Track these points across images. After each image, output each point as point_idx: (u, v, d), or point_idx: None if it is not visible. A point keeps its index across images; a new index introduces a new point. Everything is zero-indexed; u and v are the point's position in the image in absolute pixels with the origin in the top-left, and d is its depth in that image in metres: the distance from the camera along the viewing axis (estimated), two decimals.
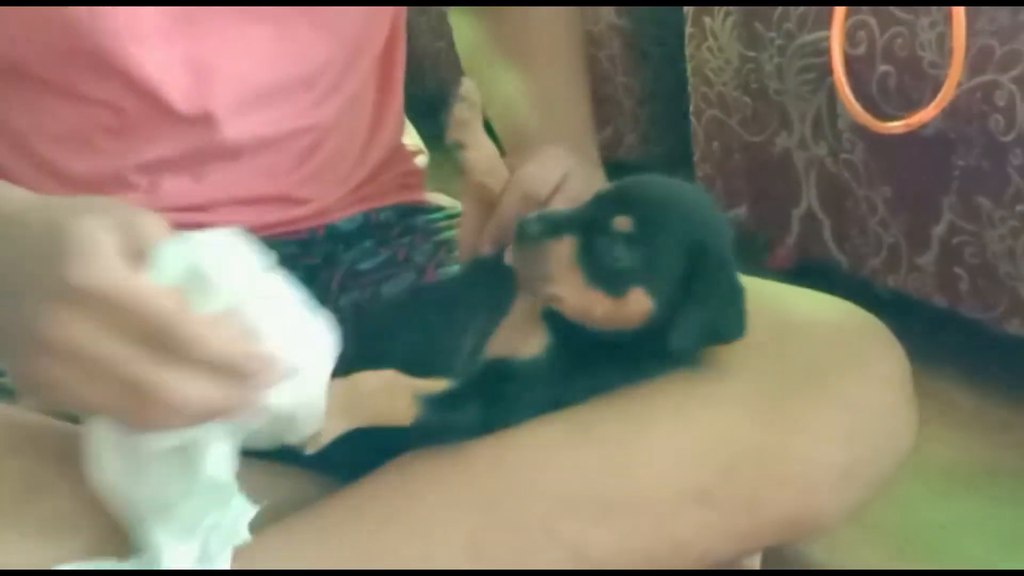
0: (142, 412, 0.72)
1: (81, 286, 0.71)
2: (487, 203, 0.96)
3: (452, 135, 0.92)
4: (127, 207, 0.76)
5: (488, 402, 0.89)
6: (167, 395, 0.72)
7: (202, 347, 0.72)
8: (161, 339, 0.72)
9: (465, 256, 1.00)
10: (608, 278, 0.86)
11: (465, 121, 0.93)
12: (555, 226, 0.87)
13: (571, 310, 0.88)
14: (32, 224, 0.76)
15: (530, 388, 0.90)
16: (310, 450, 0.81)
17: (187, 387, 0.72)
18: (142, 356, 0.72)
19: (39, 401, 0.80)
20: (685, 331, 0.86)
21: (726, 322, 0.89)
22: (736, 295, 0.89)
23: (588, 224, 0.87)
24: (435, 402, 0.87)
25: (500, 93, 1.14)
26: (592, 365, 0.90)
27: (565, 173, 0.97)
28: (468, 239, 0.99)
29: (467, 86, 0.93)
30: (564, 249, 0.86)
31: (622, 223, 0.86)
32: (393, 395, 0.86)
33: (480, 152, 0.95)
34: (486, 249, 0.96)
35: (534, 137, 1.07)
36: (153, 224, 0.74)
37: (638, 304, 0.87)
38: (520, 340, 0.89)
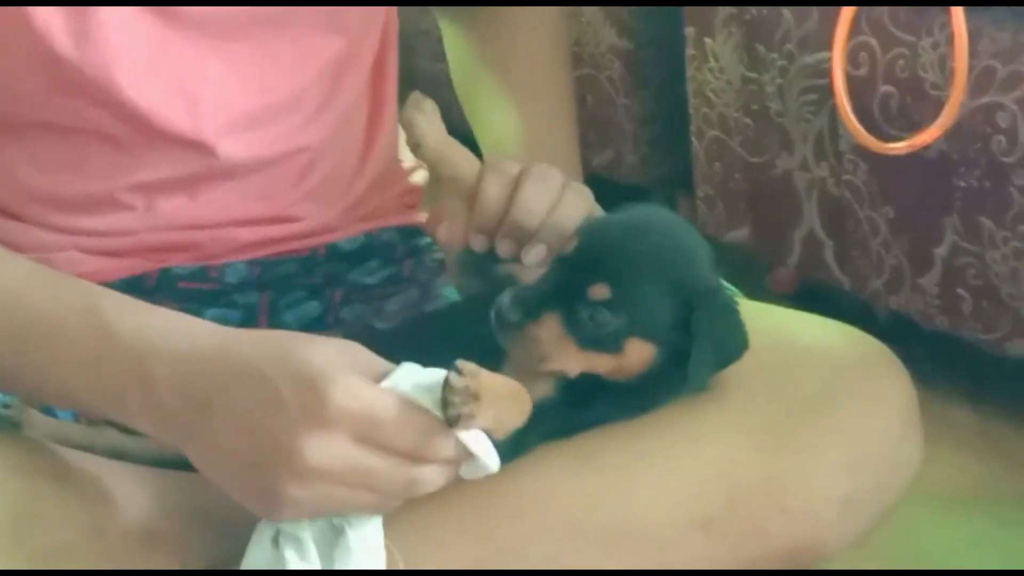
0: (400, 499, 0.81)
1: (347, 409, 0.77)
2: (463, 195, 0.95)
3: (408, 136, 0.93)
4: (323, 336, 0.83)
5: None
6: (427, 486, 0.80)
7: (446, 449, 0.79)
8: (416, 444, 0.79)
9: (452, 251, 0.98)
10: (602, 340, 0.86)
11: (410, 125, 0.93)
12: (532, 307, 0.85)
13: (576, 372, 0.87)
14: (250, 356, 0.80)
15: (539, 427, 0.89)
16: (459, 422, 0.79)
17: (436, 476, 0.80)
18: (402, 460, 0.79)
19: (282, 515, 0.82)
20: (699, 367, 0.86)
21: (732, 343, 0.89)
22: (731, 313, 0.89)
23: (564, 296, 0.85)
24: None
25: (490, 130, 1.14)
26: (602, 399, 0.90)
27: (522, 169, 0.95)
28: (455, 236, 0.97)
29: (414, 97, 0.94)
30: (550, 328, 0.85)
31: (598, 292, 0.85)
32: (520, 405, 0.83)
33: (438, 152, 0.94)
34: (476, 243, 0.95)
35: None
36: (355, 346, 0.81)
37: (639, 353, 0.87)
38: (526, 384, 0.88)
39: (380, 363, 0.81)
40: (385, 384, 0.79)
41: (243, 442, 0.79)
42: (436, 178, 0.95)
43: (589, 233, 0.88)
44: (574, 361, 0.86)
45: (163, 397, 0.81)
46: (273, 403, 0.78)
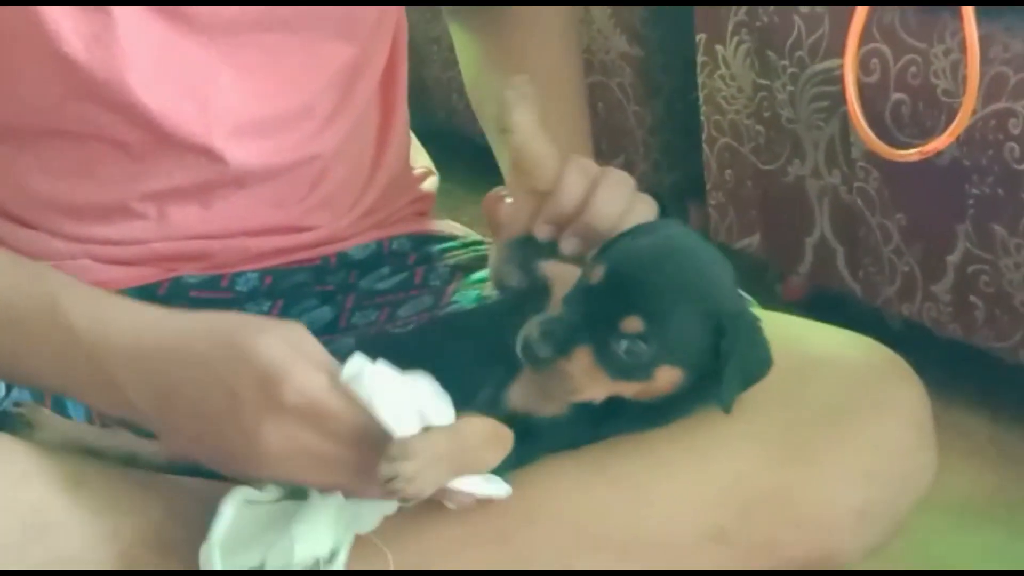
0: (359, 489, 0.84)
1: (297, 403, 0.81)
2: (533, 192, 0.94)
3: (501, 121, 0.91)
4: (270, 320, 0.91)
5: (516, 452, 0.87)
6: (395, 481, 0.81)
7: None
8: (354, 442, 0.82)
9: (505, 232, 0.97)
10: (633, 370, 0.85)
11: (511, 107, 0.91)
12: (563, 342, 0.84)
13: (601, 399, 0.87)
14: (204, 352, 0.84)
15: (552, 440, 0.89)
16: (405, 500, 0.81)
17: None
18: (352, 449, 0.82)
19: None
20: (730, 388, 0.86)
21: (759, 362, 0.88)
22: (758, 332, 0.88)
23: (595, 328, 0.84)
24: None
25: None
26: (618, 415, 0.89)
27: (602, 171, 0.96)
28: (518, 222, 0.96)
29: (519, 78, 0.92)
30: (581, 362, 0.84)
31: (632, 325, 0.83)
32: (494, 445, 0.84)
33: (526, 139, 0.92)
34: (541, 231, 0.94)
35: None
36: (300, 331, 0.85)
37: (667, 377, 0.86)
38: (542, 398, 0.88)
39: (322, 351, 0.84)
40: (343, 377, 0.82)
41: (205, 431, 0.84)
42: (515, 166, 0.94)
43: (615, 262, 0.86)
44: (602, 390, 0.86)
45: (127, 393, 0.86)
46: (228, 399, 0.83)
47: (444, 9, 1.23)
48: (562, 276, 0.91)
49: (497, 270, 0.97)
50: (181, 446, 0.88)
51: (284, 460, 0.82)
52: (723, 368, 0.85)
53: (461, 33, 1.21)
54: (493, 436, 0.84)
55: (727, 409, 0.86)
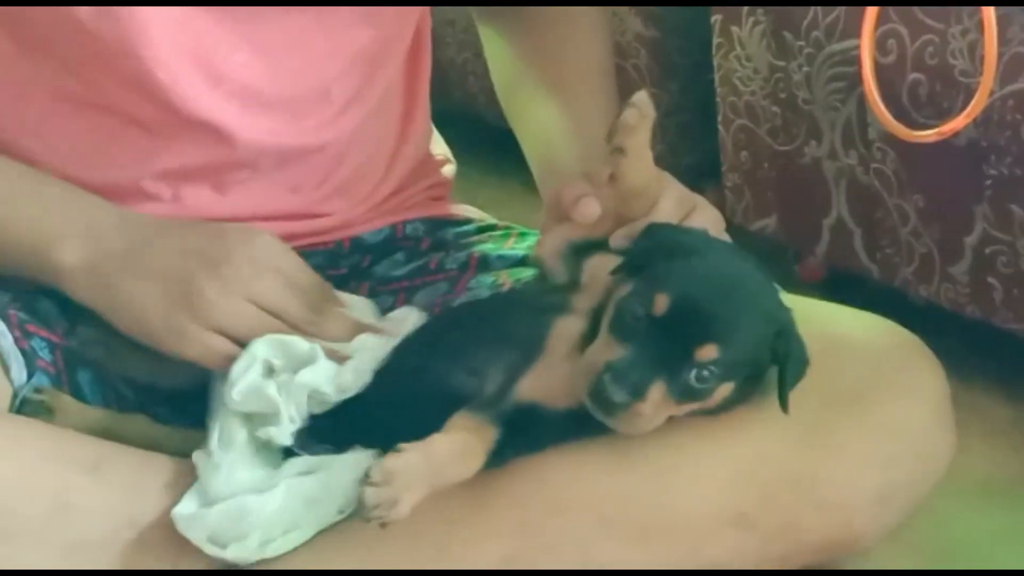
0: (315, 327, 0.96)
1: (273, 243, 0.97)
2: (616, 214, 0.95)
3: (616, 139, 0.90)
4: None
5: (517, 444, 0.88)
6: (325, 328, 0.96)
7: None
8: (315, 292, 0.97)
9: (575, 234, 0.97)
10: (701, 393, 0.86)
11: (631, 128, 0.90)
12: (638, 384, 0.84)
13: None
14: (189, 218, 1.01)
15: (562, 432, 0.89)
16: (386, 524, 0.81)
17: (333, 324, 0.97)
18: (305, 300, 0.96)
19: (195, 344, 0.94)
20: (787, 388, 0.87)
21: (803, 363, 0.89)
22: (799, 336, 0.88)
23: (667, 362, 0.84)
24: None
25: (535, 127, 1.13)
26: None
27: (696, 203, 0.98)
28: (594, 229, 0.96)
29: (641, 97, 0.91)
30: (655, 398, 0.84)
31: (708, 353, 0.84)
32: (467, 458, 0.85)
33: (637, 164, 0.92)
34: (617, 243, 0.94)
35: (569, 176, 1.05)
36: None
37: (724, 392, 0.87)
38: (555, 391, 0.87)
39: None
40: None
41: (177, 261, 0.93)
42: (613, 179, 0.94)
43: (680, 292, 0.85)
44: (667, 414, 0.86)
45: (104, 238, 0.95)
46: (216, 233, 0.96)
47: (474, 12, 1.22)
48: (596, 278, 0.91)
49: (547, 259, 0.97)
50: (132, 294, 0.94)
51: (240, 282, 0.93)
52: (781, 370, 0.86)
53: (492, 37, 1.20)
54: (463, 451, 0.85)
55: (785, 409, 0.86)
